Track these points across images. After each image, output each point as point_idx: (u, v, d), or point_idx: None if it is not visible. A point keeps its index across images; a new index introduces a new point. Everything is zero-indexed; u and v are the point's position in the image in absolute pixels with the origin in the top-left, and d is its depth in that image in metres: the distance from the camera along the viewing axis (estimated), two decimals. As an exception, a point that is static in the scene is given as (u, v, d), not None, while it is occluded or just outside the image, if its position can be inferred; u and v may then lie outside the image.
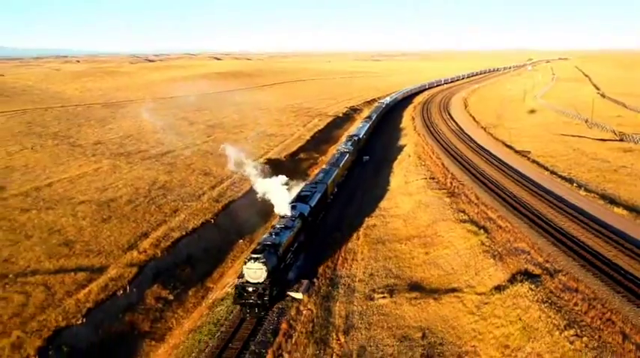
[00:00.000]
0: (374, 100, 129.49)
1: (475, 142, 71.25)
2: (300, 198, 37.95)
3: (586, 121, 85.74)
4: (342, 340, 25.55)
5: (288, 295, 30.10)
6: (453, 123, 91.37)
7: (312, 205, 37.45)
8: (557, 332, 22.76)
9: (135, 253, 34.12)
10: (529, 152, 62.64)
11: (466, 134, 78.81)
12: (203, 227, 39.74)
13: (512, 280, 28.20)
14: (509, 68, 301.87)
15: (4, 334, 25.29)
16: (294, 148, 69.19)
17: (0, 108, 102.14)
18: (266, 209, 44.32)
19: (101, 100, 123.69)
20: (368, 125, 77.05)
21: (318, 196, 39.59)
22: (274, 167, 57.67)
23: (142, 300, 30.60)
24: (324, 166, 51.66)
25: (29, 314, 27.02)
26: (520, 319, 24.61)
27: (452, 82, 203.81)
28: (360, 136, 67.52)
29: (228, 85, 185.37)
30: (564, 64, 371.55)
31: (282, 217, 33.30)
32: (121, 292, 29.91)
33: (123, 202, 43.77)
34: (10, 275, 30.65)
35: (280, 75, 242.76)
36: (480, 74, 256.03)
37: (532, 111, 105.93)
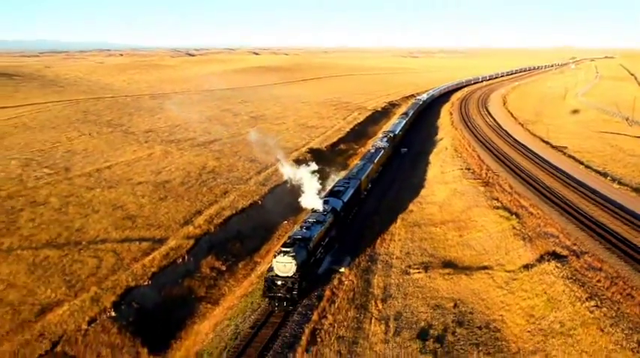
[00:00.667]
0: (412, 96, 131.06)
1: (512, 137, 72.54)
2: (333, 193, 38.15)
3: (627, 119, 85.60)
4: (380, 306, 28.16)
5: (332, 268, 32.87)
6: (491, 119, 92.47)
7: (345, 200, 37.46)
8: (578, 303, 24.85)
9: (191, 228, 37.49)
10: (565, 147, 63.71)
11: (503, 129, 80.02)
12: (251, 207, 42.88)
13: (540, 260, 30.25)
14: (552, 66, 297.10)
15: (84, 290, 28.87)
16: (335, 139, 71.91)
17: (56, 97, 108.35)
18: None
19: (148, 92, 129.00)
20: (404, 121, 77.75)
21: (351, 192, 39.65)
22: (316, 156, 60.67)
23: (198, 269, 33.87)
24: (357, 162, 51.97)
25: (103, 275, 30.59)
26: (545, 292, 26.74)
27: (490, 79, 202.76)
28: (396, 132, 68.03)
29: (268, 79, 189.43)
30: (609, 62, 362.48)
31: (314, 211, 33.57)
32: (180, 260, 33.24)
33: (177, 183, 47.36)
34: (84, 243, 34.36)
35: (319, 70, 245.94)
36: (521, 72, 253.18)
37: (573, 110, 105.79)
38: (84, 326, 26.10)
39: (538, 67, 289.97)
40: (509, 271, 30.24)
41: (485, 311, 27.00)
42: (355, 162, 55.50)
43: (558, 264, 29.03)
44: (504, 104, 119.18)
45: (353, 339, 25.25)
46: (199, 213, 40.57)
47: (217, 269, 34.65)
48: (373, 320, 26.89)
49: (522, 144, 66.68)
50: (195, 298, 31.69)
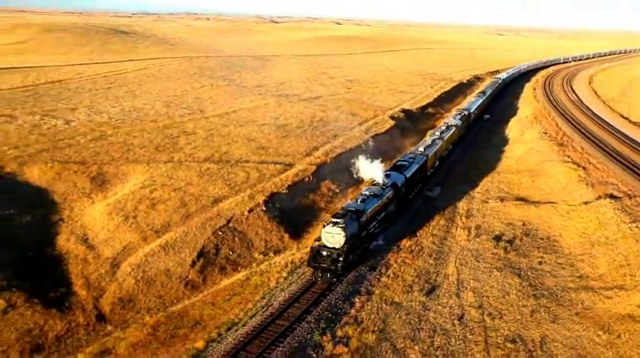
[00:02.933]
0: (497, 71, 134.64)
1: (591, 111, 77.23)
2: (395, 168, 37.70)
3: None
4: (464, 220, 36.59)
5: (426, 195, 41.48)
6: (574, 95, 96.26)
7: (408, 176, 36.74)
8: (622, 224, 32.19)
9: (312, 158, 47.12)
10: (643, 122, 68.14)
11: (584, 104, 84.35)
12: (356, 149, 51.82)
13: (598, 198, 37.38)
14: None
15: (241, 191, 39.14)
16: (424, 103, 79.47)
17: (170, 54, 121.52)
18: (401, 145, 55.97)
19: (248, 53, 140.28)
20: (481, 101, 74.92)
21: (415, 167, 38.82)
22: (407, 115, 68.77)
23: (319, 188, 43.42)
24: (426, 137, 52.01)
25: (252, 183, 40.75)
26: (597, 218, 34.16)
27: (580, 60, 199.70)
28: (471, 111, 65.83)
29: (355, 47, 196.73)
30: None
31: (374, 184, 33.43)
32: (307, 179, 42.91)
33: (294, 127, 57.12)
34: (232, 161, 44.71)
35: (403, 42, 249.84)
36: (613, 54, 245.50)
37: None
38: (245, 213, 36.30)
39: (633, 51, 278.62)
40: (570, 205, 37.65)
41: (548, 230, 34.80)
42: (440, 123, 62.60)
43: (612, 201, 36.13)
44: (590, 83, 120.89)
45: (443, 236, 33.98)
46: (316, 148, 50.13)
47: (332, 190, 44.07)
48: (458, 228, 35.42)
49: (600, 117, 71.55)
50: (317, 208, 41.28)
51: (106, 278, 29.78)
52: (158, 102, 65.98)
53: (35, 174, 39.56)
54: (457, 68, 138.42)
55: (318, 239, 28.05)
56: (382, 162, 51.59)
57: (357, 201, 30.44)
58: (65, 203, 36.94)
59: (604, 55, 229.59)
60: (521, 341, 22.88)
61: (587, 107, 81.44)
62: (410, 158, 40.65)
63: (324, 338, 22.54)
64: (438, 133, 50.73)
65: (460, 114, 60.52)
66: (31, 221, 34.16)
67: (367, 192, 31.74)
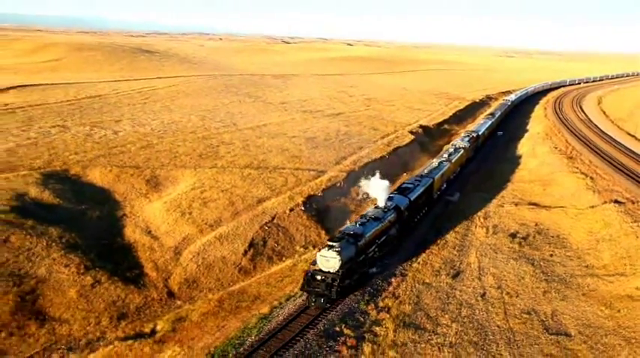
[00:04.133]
0: (508, 92, 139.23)
1: (599, 129, 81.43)
2: (400, 190, 37.61)
3: None
4: (482, 221, 40.85)
5: (446, 198, 45.84)
6: (583, 115, 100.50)
7: (412, 199, 36.56)
8: (625, 224, 36.32)
9: (341, 166, 51.71)
10: (648, 140, 72.20)
11: (593, 123, 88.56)
12: (381, 159, 56.42)
13: (604, 203, 41.55)
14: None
15: (281, 193, 43.69)
16: (439, 120, 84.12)
17: (195, 72, 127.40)
18: (421, 157, 60.45)
19: (267, 72, 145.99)
20: (490, 122, 75.50)
21: (420, 190, 38.73)
22: (425, 131, 73.37)
23: (349, 193, 47.87)
24: (433, 160, 51.22)
25: (290, 186, 45.31)
26: (603, 219, 38.30)
27: (587, 82, 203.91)
28: (480, 133, 65.76)
29: (368, 68, 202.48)
30: None
31: (376, 207, 33.34)
32: (338, 184, 47.41)
33: (321, 139, 61.82)
34: (270, 168, 49.34)
35: (414, 63, 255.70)
36: (623, 77, 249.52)
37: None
38: (287, 212, 40.82)
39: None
40: (578, 209, 41.80)
41: (558, 229, 38.96)
42: (455, 138, 66.81)
43: (616, 205, 40.28)
44: (599, 104, 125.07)
45: (464, 233, 38.28)
46: (344, 158, 54.73)
47: (360, 195, 48.47)
48: (477, 227, 39.70)
49: (608, 135, 75.72)
50: (348, 210, 45.67)
51: (171, 263, 34.27)
52: (193, 116, 70.97)
53: (97, 176, 44.35)
54: (469, 88, 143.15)
55: (314, 263, 27.58)
56: (405, 173, 56.49)
57: (356, 224, 30.17)
58: (126, 201, 41.62)
59: (612, 78, 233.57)
60: (535, 313, 27.03)
61: (596, 125, 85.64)
62: (416, 180, 40.85)
63: (369, 307, 26.87)
64: (445, 155, 51.15)
65: (468, 136, 61.05)
66: (100, 215, 38.82)
67: (368, 215, 31.62)
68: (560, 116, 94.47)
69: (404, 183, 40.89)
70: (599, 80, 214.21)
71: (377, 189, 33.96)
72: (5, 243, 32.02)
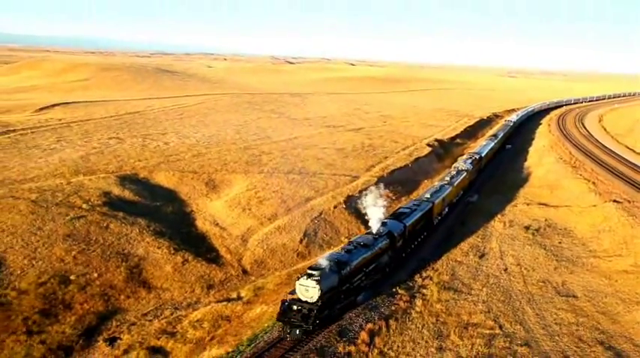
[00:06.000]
0: (513, 110, 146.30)
1: (600, 143, 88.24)
2: (395, 215, 36.28)
3: None
4: (500, 217, 47.43)
5: (467, 200, 52.44)
6: (585, 131, 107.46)
7: (407, 224, 34.95)
8: (622, 218, 42.84)
9: (371, 172, 58.50)
10: (645, 152, 78.91)
11: (594, 138, 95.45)
12: (404, 168, 63.16)
13: (604, 202, 48.13)
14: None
15: (324, 193, 50.43)
16: (452, 135, 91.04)
17: (218, 90, 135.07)
18: (438, 167, 67.17)
19: (283, 91, 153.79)
20: (492, 144, 74.97)
21: (417, 215, 37.21)
22: (440, 144, 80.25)
23: (380, 196, 54.43)
24: (435, 183, 50.66)
25: (330, 188, 52.05)
26: (603, 215, 44.84)
27: (591, 101, 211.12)
28: (483, 155, 65.11)
29: (376, 87, 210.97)
30: None
31: (367, 233, 32.08)
32: (371, 188, 54.00)
33: (349, 150, 68.71)
34: (310, 173, 56.10)
35: (422, 82, 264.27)
36: (623, 96, 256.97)
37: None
38: (332, 208, 47.51)
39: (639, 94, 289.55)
40: (582, 207, 48.39)
41: (564, 224, 45.50)
42: (468, 151, 73.31)
43: (615, 204, 46.84)
44: (600, 121, 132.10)
45: (485, 226, 44.87)
46: (373, 166, 61.54)
47: (390, 197, 55.10)
48: (496, 221, 46.28)
49: (608, 148, 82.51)
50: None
51: (240, 248, 40.86)
52: (229, 130, 78.06)
53: (163, 179, 51.18)
54: (476, 106, 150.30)
55: (292, 292, 25.93)
56: (426, 179, 63.01)
57: (342, 251, 28.66)
58: (190, 200, 48.35)
59: (611, 97, 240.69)
60: (548, 282, 33.52)
61: (597, 140, 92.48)
62: (414, 205, 39.35)
63: (415, 277, 33.44)
64: (447, 178, 49.98)
65: (471, 158, 60.18)
66: (172, 211, 45.53)
67: (357, 241, 29.98)
68: (564, 132, 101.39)
69: (401, 207, 39.90)
70: (596, 100, 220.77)
71: (371, 214, 32.42)
72: (107, 229, 38.76)
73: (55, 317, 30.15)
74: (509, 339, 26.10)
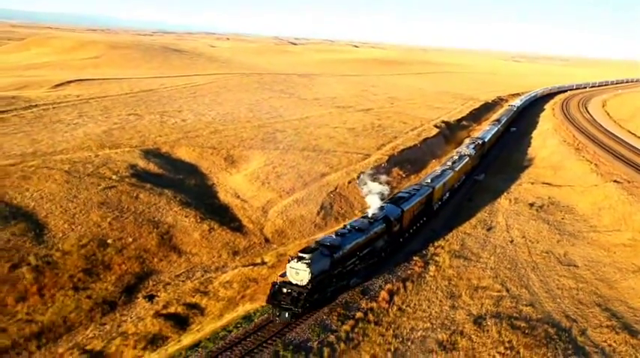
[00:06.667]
0: (517, 94, 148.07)
1: (603, 127, 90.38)
2: (393, 200, 36.08)
3: None
4: (505, 194, 49.90)
5: (474, 179, 54.86)
6: (588, 115, 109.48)
7: (405, 209, 34.74)
8: (622, 196, 45.30)
9: (382, 151, 60.82)
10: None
11: (597, 122, 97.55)
12: (413, 148, 65.47)
13: (605, 182, 50.56)
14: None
15: (338, 169, 52.84)
16: (459, 117, 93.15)
17: (226, 70, 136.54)
18: (445, 147, 69.43)
19: (289, 72, 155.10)
20: (496, 129, 74.59)
21: (415, 200, 36.97)
22: (447, 126, 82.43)
23: (391, 172, 56.92)
24: (436, 167, 51.17)
25: (344, 165, 54.43)
26: (604, 194, 47.32)
27: (593, 87, 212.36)
28: (486, 140, 65.23)
29: (381, 69, 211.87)
30: None
31: (364, 217, 32.02)
32: (382, 165, 56.50)
33: (360, 129, 70.94)
34: (323, 151, 58.47)
35: (426, 65, 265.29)
36: (628, 82, 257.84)
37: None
38: (346, 183, 49.97)
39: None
40: (584, 187, 50.86)
41: (567, 202, 47.99)
42: (474, 134, 75.72)
43: (615, 184, 49.31)
44: (603, 106, 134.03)
45: (492, 203, 47.36)
46: (383, 145, 63.84)
47: (400, 175, 57.60)
48: (502, 198, 48.77)
49: (611, 132, 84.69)
50: (391, 186, 54.66)
51: (261, 219, 43.39)
52: (242, 108, 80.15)
53: (184, 154, 53.53)
54: (481, 90, 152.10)
55: (283, 274, 26.08)
56: (433, 159, 65.35)
57: (335, 235, 28.63)
58: (211, 174, 50.76)
59: (617, 83, 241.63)
60: (551, 253, 36.11)
61: (600, 124, 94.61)
62: (413, 189, 39.33)
63: (429, 246, 36.04)
64: (449, 163, 49.92)
65: (474, 143, 60.03)
66: (195, 183, 47.95)
67: (352, 225, 30.11)
68: (567, 116, 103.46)
69: (400, 191, 40.08)
70: (599, 85, 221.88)
71: (368, 199, 33.41)
72: (137, 199, 41.27)
73: (97, 276, 32.76)
74: (515, 300, 28.74)
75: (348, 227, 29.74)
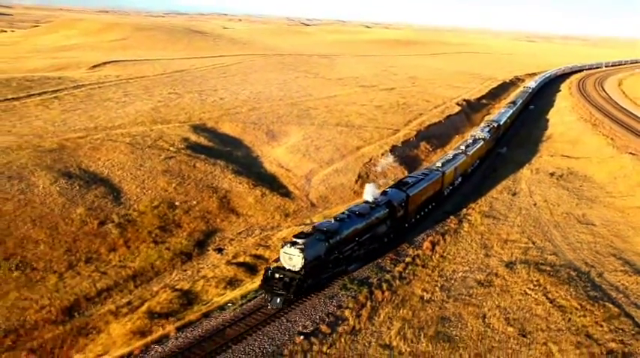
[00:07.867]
0: (534, 74, 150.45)
1: (619, 105, 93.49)
2: (398, 184, 35.07)
3: None
4: (527, 165, 53.95)
5: (497, 151, 58.86)
6: (604, 94, 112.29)
7: (410, 195, 33.60)
8: (637, 166, 49.20)
9: (410, 127, 64.91)
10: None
11: (613, 100, 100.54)
12: (438, 124, 69.44)
13: (620, 154, 54.37)
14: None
15: (371, 143, 57.06)
16: (478, 96, 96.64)
17: (249, 51, 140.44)
18: (466, 124, 73.24)
19: (309, 52, 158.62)
20: (511, 111, 72.28)
21: (422, 185, 35.73)
22: (468, 104, 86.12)
23: (419, 146, 61.05)
24: (449, 151, 50.10)
25: (376, 139, 58.65)
26: (619, 164, 51.21)
27: (613, 66, 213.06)
28: (501, 123, 63.35)
29: (398, 50, 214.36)
30: None
31: (366, 202, 30.91)
32: (411, 140, 60.63)
33: (387, 107, 74.95)
34: (355, 126, 62.65)
35: (443, 46, 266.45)
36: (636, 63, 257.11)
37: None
38: (379, 155, 54.22)
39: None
40: (601, 159, 54.72)
41: (585, 172, 51.95)
42: (492, 111, 79.26)
43: (630, 155, 53.13)
44: (619, 85, 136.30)
45: (514, 173, 51.47)
46: (410, 121, 67.91)
47: (428, 149, 61.73)
48: (524, 169, 52.85)
49: (627, 110, 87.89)
50: (419, 158, 58.94)
51: (306, 186, 47.91)
52: (273, 88, 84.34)
53: (228, 129, 58.03)
54: (498, 70, 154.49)
55: (277, 259, 25.67)
56: (457, 134, 69.27)
57: (333, 220, 27.78)
58: (254, 147, 55.26)
59: (635, 62, 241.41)
60: (571, 214, 40.31)
61: (616, 102, 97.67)
62: (422, 173, 38.28)
63: (462, 208, 40.41)
64: (463, 147, 48.65)
65: (489, 126, 58.67)
66: (242, 155, 52.51)
67: (352, 210, 29.40)
68: (584, 94, 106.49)
69: (408, 175, 39.61)
70: (614, 65, 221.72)
71: (369, 184, 32.74)
72: (195, 168, 45.91)
73: (170, 233, 37.52)
74: (540, 250, 33.10)
75: (349, 212, 29.06)
